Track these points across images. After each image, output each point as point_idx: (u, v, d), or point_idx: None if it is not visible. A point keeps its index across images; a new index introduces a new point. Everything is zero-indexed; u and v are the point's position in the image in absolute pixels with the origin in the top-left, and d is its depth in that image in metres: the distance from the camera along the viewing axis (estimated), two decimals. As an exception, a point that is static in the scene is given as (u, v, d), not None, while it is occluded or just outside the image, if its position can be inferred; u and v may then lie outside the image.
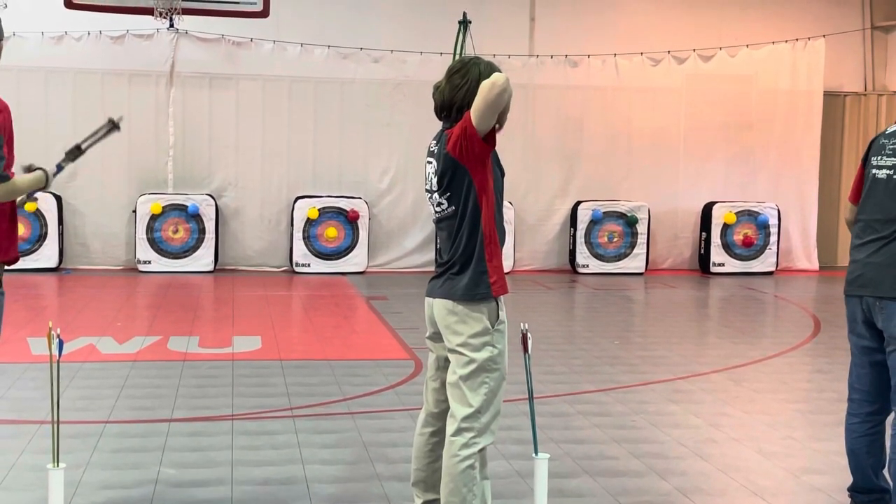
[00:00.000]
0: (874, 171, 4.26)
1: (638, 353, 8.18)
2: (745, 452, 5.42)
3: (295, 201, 12.64)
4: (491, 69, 3.80)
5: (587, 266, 13.15)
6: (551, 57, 13.23)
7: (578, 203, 13.28)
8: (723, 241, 13.45)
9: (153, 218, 12.22)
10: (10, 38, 10.35)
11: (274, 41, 12.59)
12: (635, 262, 13.25)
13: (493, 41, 12.33)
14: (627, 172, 13.57)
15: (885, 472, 4.34)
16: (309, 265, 12.55)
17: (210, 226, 12.37)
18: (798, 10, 13.95)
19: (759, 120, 13.81)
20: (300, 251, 12.55)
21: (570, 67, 13.33)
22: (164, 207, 12.23)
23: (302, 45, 12.65)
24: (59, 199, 12.04)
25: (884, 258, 4.15)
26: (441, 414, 3.90)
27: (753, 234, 13.49)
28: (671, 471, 5.07)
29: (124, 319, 9.19)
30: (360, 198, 12.78)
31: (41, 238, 11.97)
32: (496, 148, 3.73)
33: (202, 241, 12.37)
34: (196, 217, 12.32)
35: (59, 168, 4.35)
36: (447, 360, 3.82)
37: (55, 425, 3.71)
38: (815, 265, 14.02)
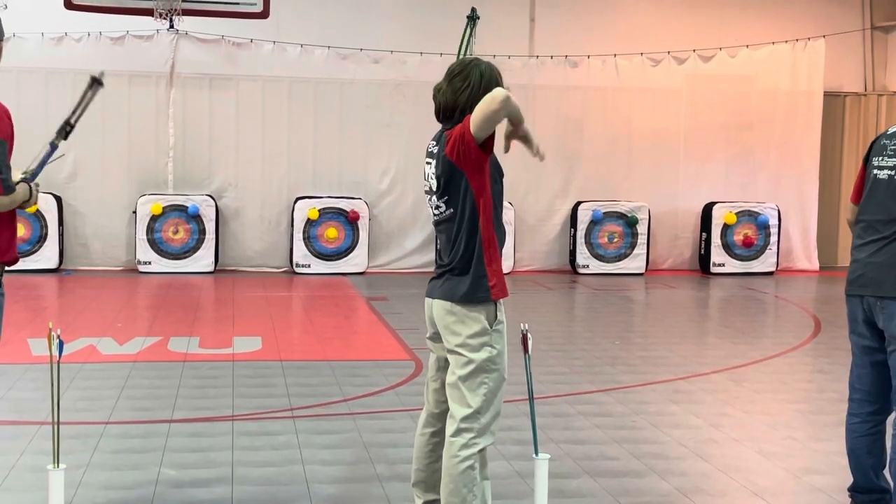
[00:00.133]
0: (875, 171, 4.27)
1: (638, 353, 8.18)
2: (745, 453, 5.42)
3: (295, 202, 12.64)
4: (492, 71, 3.80)
5: (587, 266, 13.15)
6: (551, 57, 13.23)
7: (579, 203, 13.28)
8: (723, 242, 13.45)
9: (153, 219, 12.22)
10: (10, 39, 10.35)
11: (274, 42, 12.60)
12: (635, 263, 13.25)
13: (493, 41, 12.33)
14: (627, 173, 13.57)
15: (886, 472, 4.34)
16: (309, 266, 12.55)
17: (210, 226, 12.37)
18: (798, 10, 13.95)
19: (759, 120, 13.81)
20: (300, 252, 12.56)
21: (570, 68, 13.33)
22: (164, 208, 12.23)
23: (302, 45, 12.65)
24: (59, 199, 12.04)
25: (885, 258, 4.15)
26: (441, 414, 3.90)
27: (754, 234, 13.49)
28: (671, 471, 5.07)
29: (124, 320, 9.18)
30: (360, 198, 12.78)
31: (41, 239, 11.97)
32: (495, 149, 3.73)
33: (202, 242, 12.37)
34: (196, 218, 12.32)
35: (54, 147, 4.32)
36: (447, 361, 3.81)
37: (55, 426, 3.71)
38: (816, 265, 14.02)
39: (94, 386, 6.57)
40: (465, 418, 3.70)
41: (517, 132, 3.70)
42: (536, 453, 3.93)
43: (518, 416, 5.73)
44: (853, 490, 4.44)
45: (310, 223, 12.53)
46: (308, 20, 12.72)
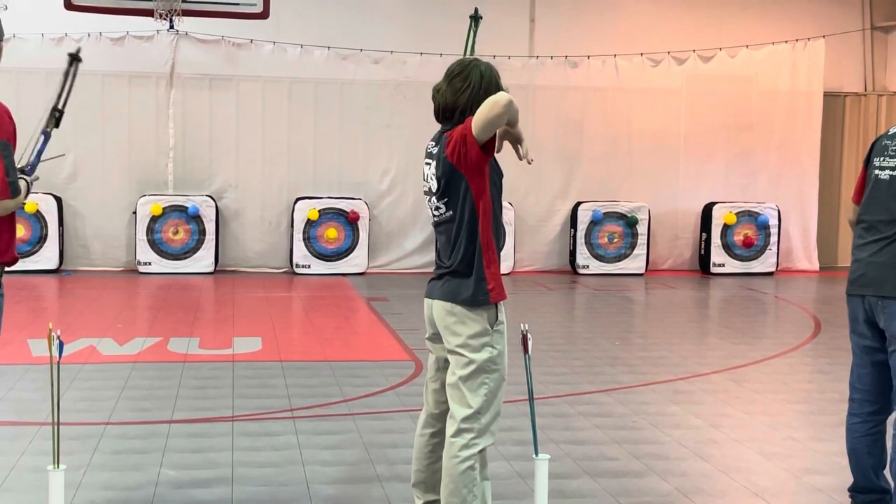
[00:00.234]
0: (876, 172, 4.27)
1: (638, 353, 8.18)
2: (745, 453, 5.42)
3: (295, 202, 12.64)
4: (492, 72, 3.80)
5: (587, 267, 13.14)
6: (551, 58, 13.23)
7: (579, 204, 13.28)
8: (723, 242, 13.45)
9: (153, 219, 12.22)
10: (10, 39, 10.35)
11: (274, 42, 12.60)
12: (635, 263, 13.24)
13: (492, 42, 12.31)
14: (627, 173, 13.56)
15: (886, 472, 4.34)
16: (309, 266, 12.54)
17: (210, 227, 12.37)
18: (798, 10, 13.95)
19: (759, 120, 13.81)
20: (300, 252, 12.55)
21: (570, 68, 13.33)
22: (164, 209, 12.23)
23: (302, 46, 12.65)
24: (59, 200, 12.04)
25: (886, 258, 4.15)
26: (441, 415, 3.90)
27: (754, 234, 13.49)
28: (672, 471, 5.07)
29: (125, 321, 9.18)
30: (360, 199, 12.79)
31: (41, 240, 11.96)
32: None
33: (202, 243, 12.37)
34: (196, 218, 12.32)
35: (46, 135, 4.31)
36: (447, 361, 3.81)
37: (55, 427, 3.71)
38: (816, 266, 14.02)
39: (94, 386, 6.57)
40: (465, 419, 3.70)
41: (511, 133, 3.71)
42: (536, 454, 3.93)
43: (518, 417, 5.73)
44: (853, 490, 4.44)
45: (310, 224, 12.53)
46: (308, 21, 12.72)
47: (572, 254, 13.28)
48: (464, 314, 3.71)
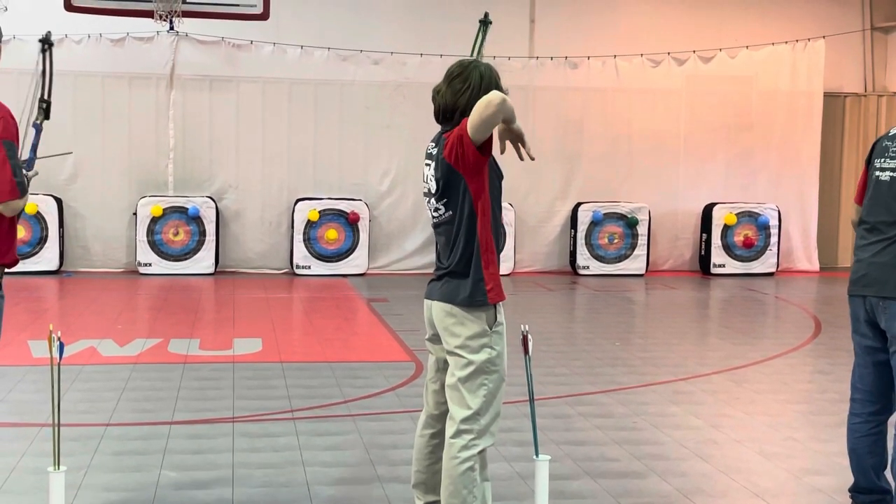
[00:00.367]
0: (877, 173, 4.27)
1: (639, 354, 8.18)
2: (746, 453, 5.42)
3: (295, 203, 12.64)
4: (491, 73, 3.80)
5: (588, 267, 13.14)
6: (551, 59, 13.23)
7: (579, 204, 13.28)
8: (723, 243, 13.45)
9: (154, 220, 12.22)
10: (10, 41, 10.35)
11: (274, 43, 12.60)
12: (636, 264, 13.24)
13: (492, 43, 12.29)
14: (628, 174, 13.57)
15: (887, 472, 4.34)
16: (309, 267, 12.54)
17: (210, 228, 12.37)
18: (798, 10, 13.95)
19: (759, 121, 13.81)
20: (301, 253, 12.56)
21: (570, 69, 13.33)
22: (164, 210, 12.23)
23: (302, 47, 12.65)
24: (59, 201, 12.04)
25: (888, 258, 4.15)
26: (441, 416, 3.90)
27: (754, 235, 13.48)
28: (672, 472, 5.07)
29: (125, 322, 9.18)
30: (360, 200, 12.79)
31: (42, 241, 11.97)
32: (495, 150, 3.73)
33: (203, 244, 12.37)
34: (196, 219, 12.32)
35: (38, 128, 4.33)
36: (447, 362, 3.81)
37: (56, 428, 3.71)
38: (816, 266, 14.02)
39: (94, 388, 6.57)
40: (464, 420, 3.70)
41: (510, 132, 3.71)
42: (537, 454, 3.93)
43: (518, 418, 5.73)
44: (854, 490, 4.44)
45: (310, 225, 12.53)
46: (308, 22, 12.73)
47: (572, 254, 13.28)
48: (462, 315, 3.71)
